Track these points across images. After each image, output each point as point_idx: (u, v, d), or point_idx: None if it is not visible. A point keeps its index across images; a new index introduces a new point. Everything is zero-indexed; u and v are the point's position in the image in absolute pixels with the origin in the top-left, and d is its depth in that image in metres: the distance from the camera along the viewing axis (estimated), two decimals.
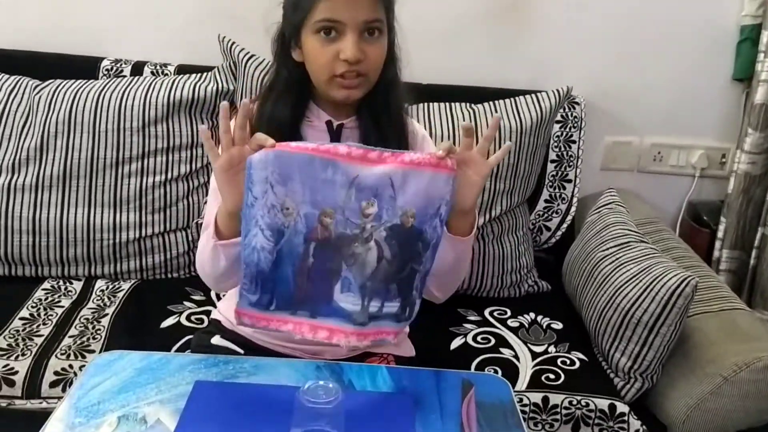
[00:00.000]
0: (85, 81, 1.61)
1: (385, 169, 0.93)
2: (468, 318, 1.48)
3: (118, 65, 1.73)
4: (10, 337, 1.29)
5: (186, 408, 0.93)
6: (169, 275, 1.56)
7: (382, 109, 1.12)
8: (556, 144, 1.76)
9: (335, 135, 1.12)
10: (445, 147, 0.93)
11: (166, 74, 1.70)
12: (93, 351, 1.27)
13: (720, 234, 1.85)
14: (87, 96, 1.55)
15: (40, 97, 1.55)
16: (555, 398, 1.24)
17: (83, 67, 1.71)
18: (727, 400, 1.21)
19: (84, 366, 1.15)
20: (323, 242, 0.94)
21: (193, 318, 1.40)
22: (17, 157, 1.51)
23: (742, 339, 1.27)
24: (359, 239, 0.94)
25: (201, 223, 1.56)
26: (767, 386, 1.20)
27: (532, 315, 1.50)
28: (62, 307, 1.41)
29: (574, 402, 1.24)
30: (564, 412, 1.24)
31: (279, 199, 0.93)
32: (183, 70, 1.71)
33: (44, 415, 0.94)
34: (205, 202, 1.26)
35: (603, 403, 1.24)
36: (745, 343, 1.26)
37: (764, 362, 1.20)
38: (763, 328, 1.33)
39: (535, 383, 1.27)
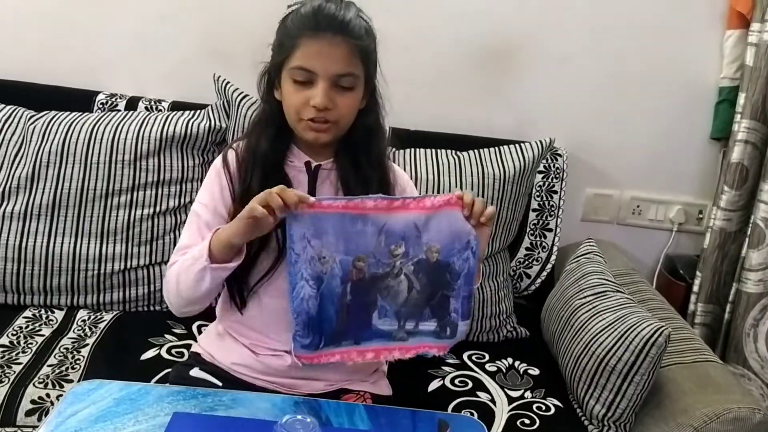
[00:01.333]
0: (80, 113, 1.64)
1: (409, 215, 1.04)
2: (446, 361, 1.49)
3: (113, 99, 1.76)
4: None
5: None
6: (152, 308, 1.56)
7: (361, 153, 1.16)
8: (538, 193, 1.80)
9: (313, 176, 1.16)
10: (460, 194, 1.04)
11: (160, 110, 1.74)
12: (71, 381, 1.26)
13: (695, 288, 1.88)
14: (81, 128, 1.57)
15: (34, 127, 1.58)
16: None
17: (79, 100, 1.74)
18: None
19: (62, 395, 1.15)
20: (358, 282, 1.05)
21: (173, 351, 1.40)
22: (8, 185, 1.53)
23: (713, 390, 1.29)
24: (390, 275, 1.05)
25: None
26: None
27: (510, 360, 1.52)
28: (42, 335, 1.41)
29: None
30: None
31: (316, 251, 1.03)
32: (177, 106, 1.75)
33: None
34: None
35: None
36: (716, 395, 1.28)
37: (734, 414, 1.22)
38: (735, 381, 1.36)
39: (510, 428, 1.28)
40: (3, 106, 1.64)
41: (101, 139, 1.56)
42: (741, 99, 1.81)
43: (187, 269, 1.08)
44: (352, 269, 1.04)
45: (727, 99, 1.88)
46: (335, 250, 1.04)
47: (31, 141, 1.56)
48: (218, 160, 1.21)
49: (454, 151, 1.70)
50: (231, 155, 1.19)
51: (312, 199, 1.02)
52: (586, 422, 1.34)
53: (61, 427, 0.95)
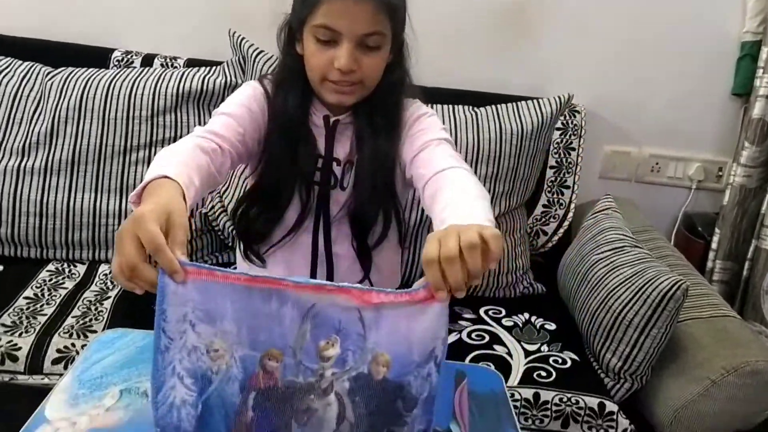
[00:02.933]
0: (97, 69, 1.64)
1: (352, 301, 0.73)
2: (463, 316, 1.50)
3: (129, 56, 1.76)
4: (14, 315, 1.31)
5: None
6: None
7: (378, 110, 1.12)
8: (555, 150, 1.79)
9: (331, 131, 1.14)
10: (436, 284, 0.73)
11: (176, 67, 1.74)
12: (95, 331, 1.29)
13: (714, 245, 1.88)
14: (98, 84, 1.57)
15: (52, 83, 1.58)
16: (546, 395, 1.26)
17: (95, 57, 1.74)
18: (714, 403, 1.23)
19: (86, 344, 1.17)
20: (267, 392, 0.73)
21: None
22: (28, 140, 1.53)
23: (731, 344, 1.29)
24: (315, 390, 0.73)
25: (203, 212, 1.59)
26: (754, 390, 1.23)
27: (527, 315, 1.52)
28: (66, 288, 1.44)
29: (565, 399, 1.26)
30: (554, 408, 1.26)
31: (203, 340, 0.72)
32: (192, 63, 1.75)
33: (46, 390, 0.96)
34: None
35: (593, 402, 1.27)
36: (733, 348, 1.28)
37: (752, 367, 1.22)
38: (752, 336, 1.35)
39: (526, 379, 1.29)
40: (21, 62, 1.64)
41: (118, 95, 1.56)
42: (764, 54, 1.78)
43: (157, 157, 0.90)
44: (259, 371, 0.73)
45: (749, 54, 1.85)
46: (236, 342, 0.73)
47: (49, 97, 1.56)
48: (254, 83, 1.15)
49: (471, 107, 1.68)
50: (268, 85, 1.14)
51: (190, 266, 0.71)
52: (602, 375, 1.35)
53: (87, 373, 0.97)
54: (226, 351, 0.73)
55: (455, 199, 0.93)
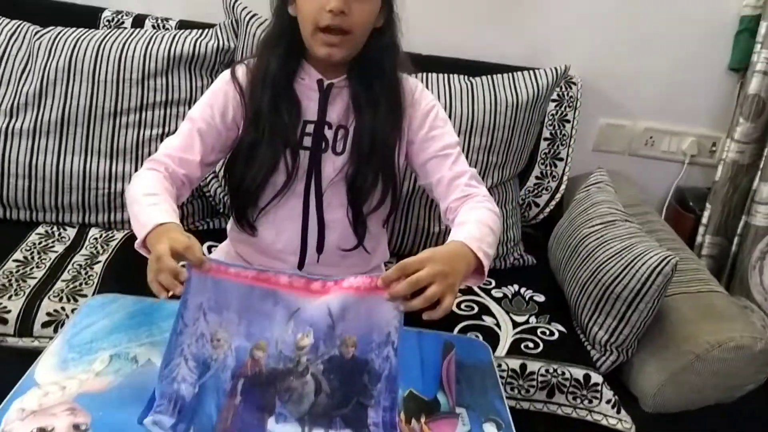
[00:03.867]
0: (86, 30, 1.61)
1: (324, 298, 0.89)
2: None
3: (120, 17, 1.73)
4: (3, 278, 1.31)
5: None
6: None
7: (375, 73, 1.15)
8: (550, 122, 1.78)
9: (324, 94, 1.15)
10: (388, 277, 0.88)
11: (167, 28, 1.71)
12: (85, 295, 1.28)
13: (704, 220, 1.89)
14: (87, 45, 1.55)
15: (40, 43, 1.55)
16: (532, 365, 1.28)
17: (84, 16, 1.71)
18: (698, 376, 1.25)
19: (76, 308, 1.17)
20: (253, 378, 0.88)
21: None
22: (16, 101, 1.51)
23: (716, 319, 1.31)
24: (294, 373, 0.88)
25: None
26: (737, 365, 1.25)
27: (516, 287, 1.53)
28: (56, 252, 1.43)
29: (551, 370, 1.28)
30: (540, 378, 1.28)
31: (210, 329, 0.88)
32: (184, 25, 1.72)
33: (36, 352, 0.97)
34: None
35: (578, 373, 1.28)
36: (719, 323, 1.29)
37: (736, 342, 1.24)
38: (738, 311, 1.37)
39: (514, 350, 1.31)
40: (8, 20, 1.61)
41: (108, 57, 1.54)
42: (762, 28, 1.77)
43: (133, 197, 1.06)
44: (248, 360, 0.88)
45: (747, 28, 1.84)
46: (235, 332, 0.89)
47: (37, 57, 1.54)
48: (226, 74, 1.20)
49: (466, 77, 1.67)
50: (241, 70, 1.18)
51: (213, 262, 0.90)
52: (588, 347, 1.37)
53: (77, 337, 0.98)
54: (225, 341, 0.88)
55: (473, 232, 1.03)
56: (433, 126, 1.19)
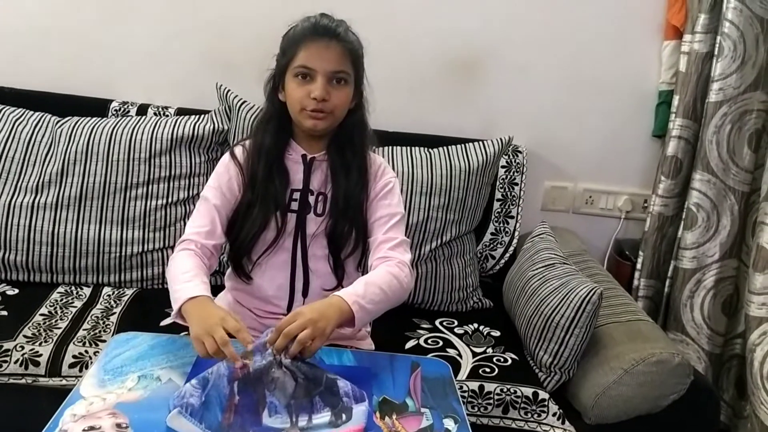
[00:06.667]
0: (99, 118, 1.88)
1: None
2: (421, 325, 1.74)
3: (125, 106, 2.00)
4: (33, 329, 1.52)
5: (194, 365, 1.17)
6: (167, 285, 1.77)
7: (346, 145, 1.40)
8: (501, 185, 2.06)
9: (308, 166, 1.40)
10: (272, 339, 1.11)
11: (167, 115, 1.98)
12: (104, 341, 1.50)
13: (639, 265, 2.13)
14: (102, 131, 1.81)
15: (61, 130, 1.81)
16: (489, 386, 1.50)
17: (95, 107, 1.98)
18: (627, 388, 1.47)
19: (98, 351, 1.38)
20: (245, 379, 1.06)
21: None
22: (41, 180, 1.76)
23: (642, 341, 1.54)
24: (274, 365, 1.07)
25: None
26: (659, 377, 1.47)
27: (476, 325, 1.77)
28: (75, 307, 1.64)
29: (505, 390, 1.50)
30: (496, 397, 1.49)
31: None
32: (182, 112, 1.99)
33: (64, 390, 1.15)
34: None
35: (528, 391, 1.50)
36: (644, 343, 1.52)
37: (657, 357, 1.47)
38: (661, 333, 1.61)
39: (473, 375, 1.53)
40: (32, 112, 1.87)
41: (120, 140, 1.80)
42: (675, 101, 2.06)
43: (172, 276, 1.28)
44: (238, 365, 1.07)
45: (665, 101, 2.14)
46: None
47: (59, 142, 1.79)
48: (226, 156, 1.44)
49: (425, 148, 1.95)
50: (239, 150, 1.43)
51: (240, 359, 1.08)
52: (536, 370, 1.59)
53: (109, 364, 1.19)
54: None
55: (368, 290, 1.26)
56: (385, 196, 1.41)
